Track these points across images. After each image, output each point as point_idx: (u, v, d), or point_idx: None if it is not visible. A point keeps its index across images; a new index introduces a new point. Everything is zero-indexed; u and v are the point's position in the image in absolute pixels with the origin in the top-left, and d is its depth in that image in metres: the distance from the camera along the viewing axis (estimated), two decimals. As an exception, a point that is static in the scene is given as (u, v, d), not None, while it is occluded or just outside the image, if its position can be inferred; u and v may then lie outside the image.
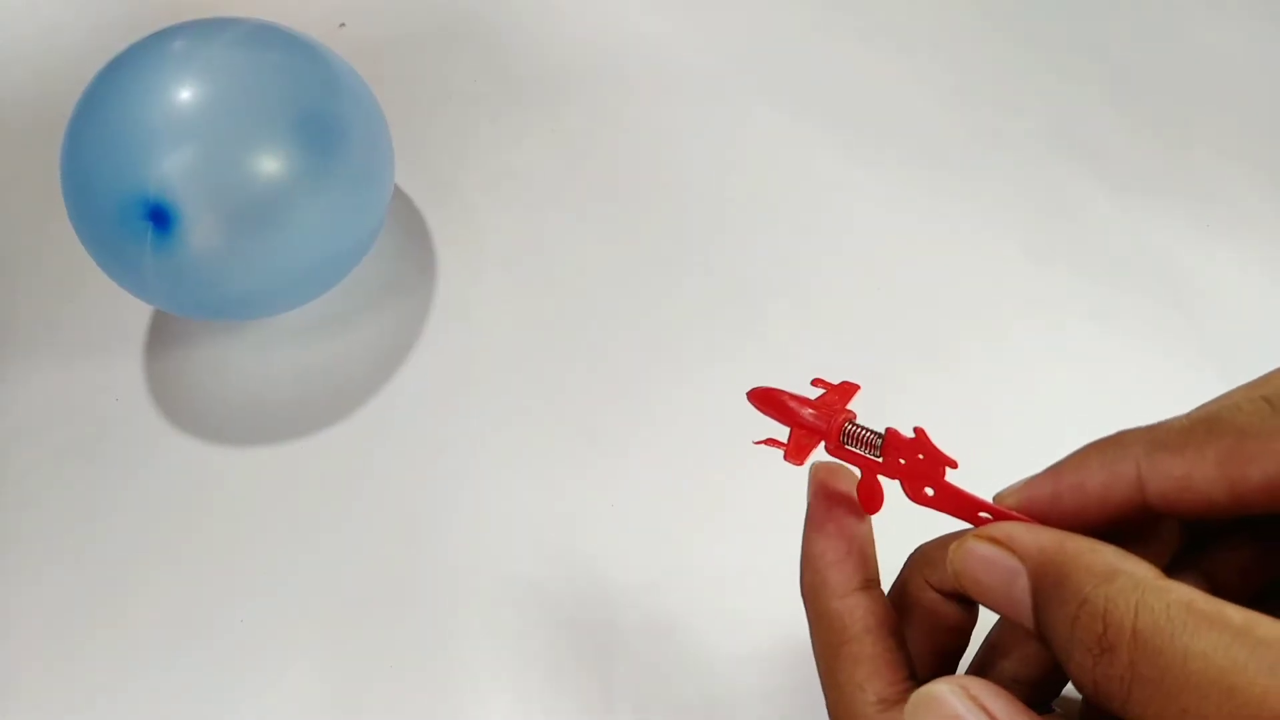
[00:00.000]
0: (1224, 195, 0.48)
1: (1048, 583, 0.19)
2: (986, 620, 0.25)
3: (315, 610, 0.39)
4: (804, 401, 0.25)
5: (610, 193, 0.51)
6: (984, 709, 0.19)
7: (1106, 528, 0.20)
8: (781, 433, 0.25)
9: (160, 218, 0.37)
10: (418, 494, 0.42)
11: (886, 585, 0.26)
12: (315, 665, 0.38)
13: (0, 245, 0.52)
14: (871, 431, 0.24)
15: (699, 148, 0.52)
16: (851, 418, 0.24)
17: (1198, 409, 0.21)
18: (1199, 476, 0.19)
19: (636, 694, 0.36)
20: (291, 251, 0.40)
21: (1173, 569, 0.23)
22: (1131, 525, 0.21)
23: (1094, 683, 0.17)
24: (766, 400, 0.25)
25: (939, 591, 0.25)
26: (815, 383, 0.26)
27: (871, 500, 0.24)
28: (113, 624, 0.40)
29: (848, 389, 0.25)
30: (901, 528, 0.25)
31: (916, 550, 0.26)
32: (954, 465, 0.22)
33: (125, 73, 0.39)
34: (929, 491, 0.23)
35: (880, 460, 0.23)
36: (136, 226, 0.37)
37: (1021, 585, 0.20)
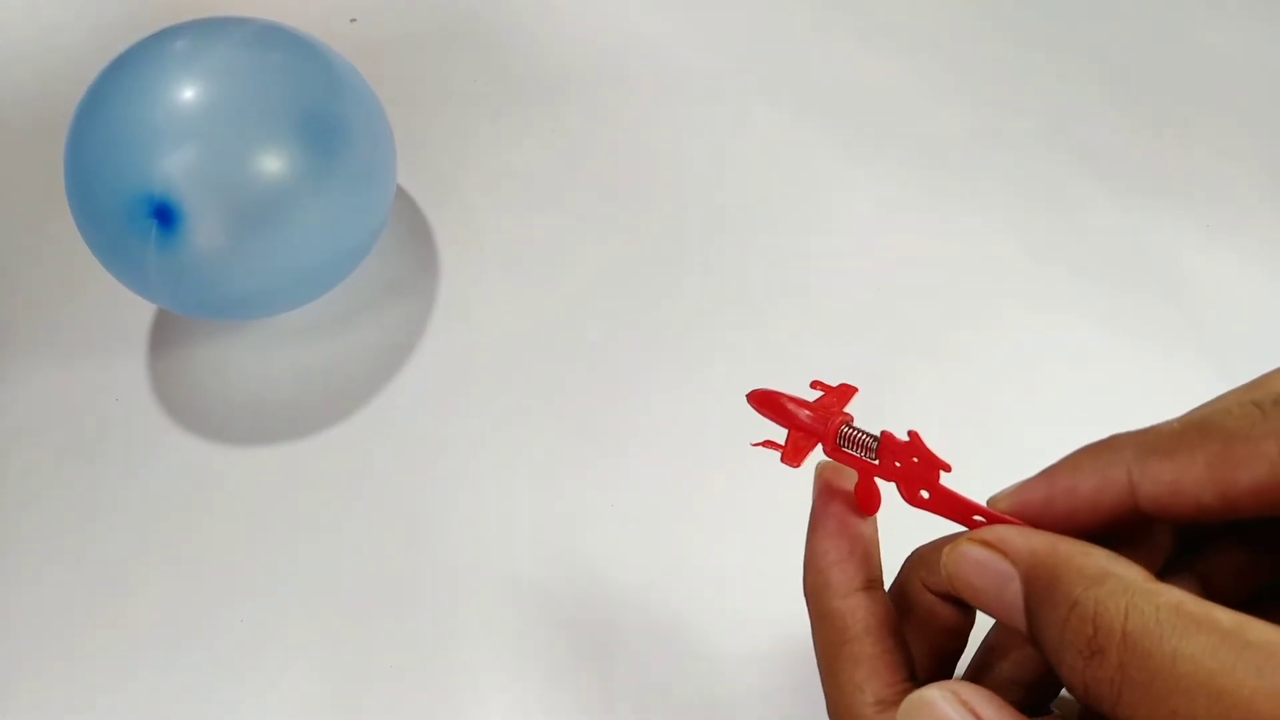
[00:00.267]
0: (1224, 195, 0.48)
1: (1039, 586, 0.19)
2: (985, 622, 0.25)
3: (315, 610, 0.39)
4: (802, 404, 0.25)
5: (610, 193, 0.51)
6: (974, 714, 0.19)
7: (1099, 531, 0.20)
8: (779, 434, 0.25)
9: (165, 216, 0.37)
10: (418, 494, 0.42)
11: (888, 586, 0.26)
12: (315, 665, 0.38)
13: (0, 245, 0.52)
14: (867, 434, 0.24)
15: (699, 148, 0.52)
16: (848, 420, 0.24)
17: (1188, 413, 0.21)
18: (1189, 481, 0.19)
19: (636, 694, 0.36)
20: (294, 251, 0.40)
21: (1168, 571, 0.23)
22: (1124, 529, 0.21)
23: (1084, 685, 0.18)
24: (765, 402, 0.25)
25: (936, 594, 0.25)
26: (814, 385, 0.26)
27: (869, 502, 0.24)
28: (113, 624, 0.40)
29: (846, 391, 0.25)
30: (901, 529, 0.25)
31: (914, 552, 0.26)
32: (948, 469, 0.23)
33: (129, 72, 0.39)
34: (924, 494, 0.23)
35: (876, 463, 0.24)
36: (141, 224, 0.37)
37: (1014, 588, 0.20)
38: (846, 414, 0.25)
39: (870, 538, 0.25)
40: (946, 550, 0.21)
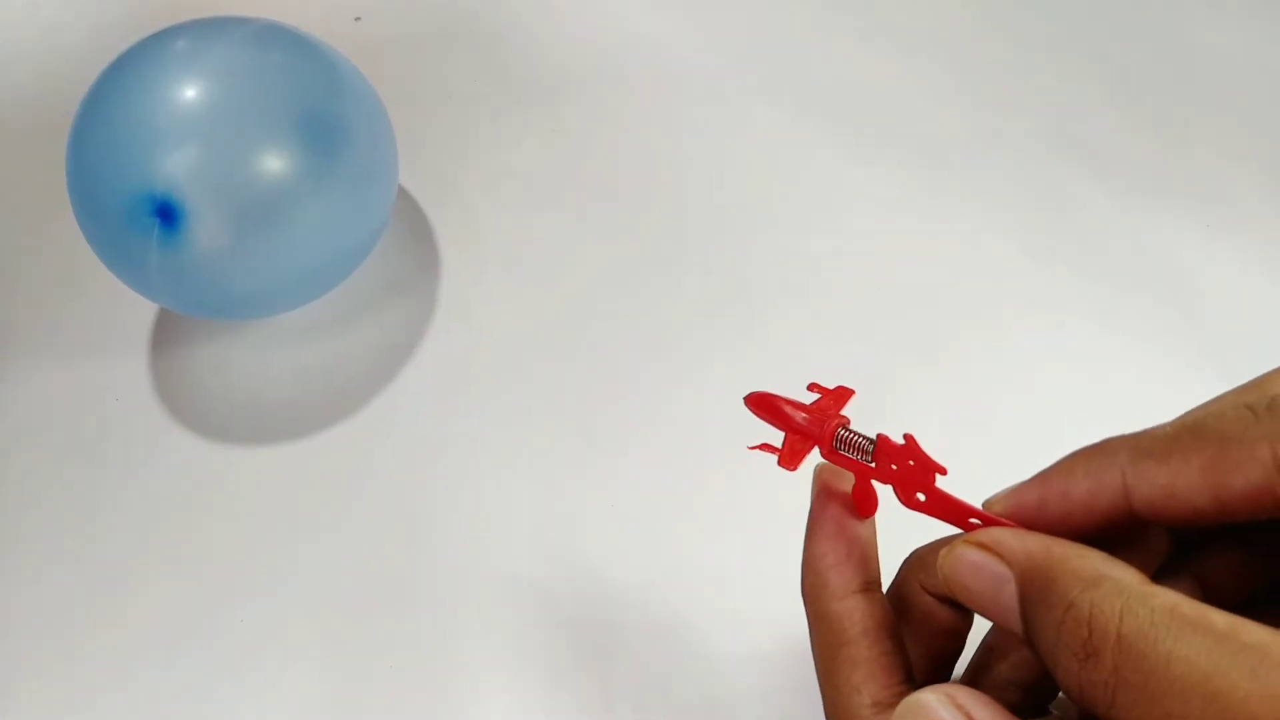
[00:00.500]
0: (1224, 195, 0.48)
1: (1034, 588, 0.19)
2: (984, 623, 0.25)
3: (315, 610, 0.39)
4: (799, 406, 0.25)
5: (610, 193, 0.51)
6: (968, 717, 0.19)
7: (1094, 534, 0.20)
8: (776, 437, 0.25)
9: (167, 214, 0.37)
10: (418, 493, 0.42)
11: (887, 587, 0.26)
12: (315, 665, 0.38)
13: (0, 245, 0.52)
14: (863, 437, 0.24)
15: (699, 148, 0.52)
16: (845, 423, 0.24)
17: (1182, 416, 0.21)
18: (1183, 485, 0.19)
19: (636, 694, 0.36)
20: (296, 250, 0.40)
21: (1165, 573, 0.23)
22: (1119, 531, 0.21)
23: (1079, 687, 0.18)
24: (762, 405, 0.25)
25: (934, 595, 0.25)
26: (811, 387, 0.26)
27: (866, 504, 0.24)
28: (113, 624, 0.40)
29: (842, 394, 0.26)
30: (900, 531, 0.25)
31: (912, 554, 0.26)
32: (943, 472, 0.23)
33: (131, 71, 0.39)
34: (920, 497, 0.23)
35: (873, 465, 0.24)
36: (143, 223, 0.37)
37: (1010, 591, 0.20)
38: (843, 416, 0.25)
39: (868, 540, 0.25)
40: (942, 553, 0.22)
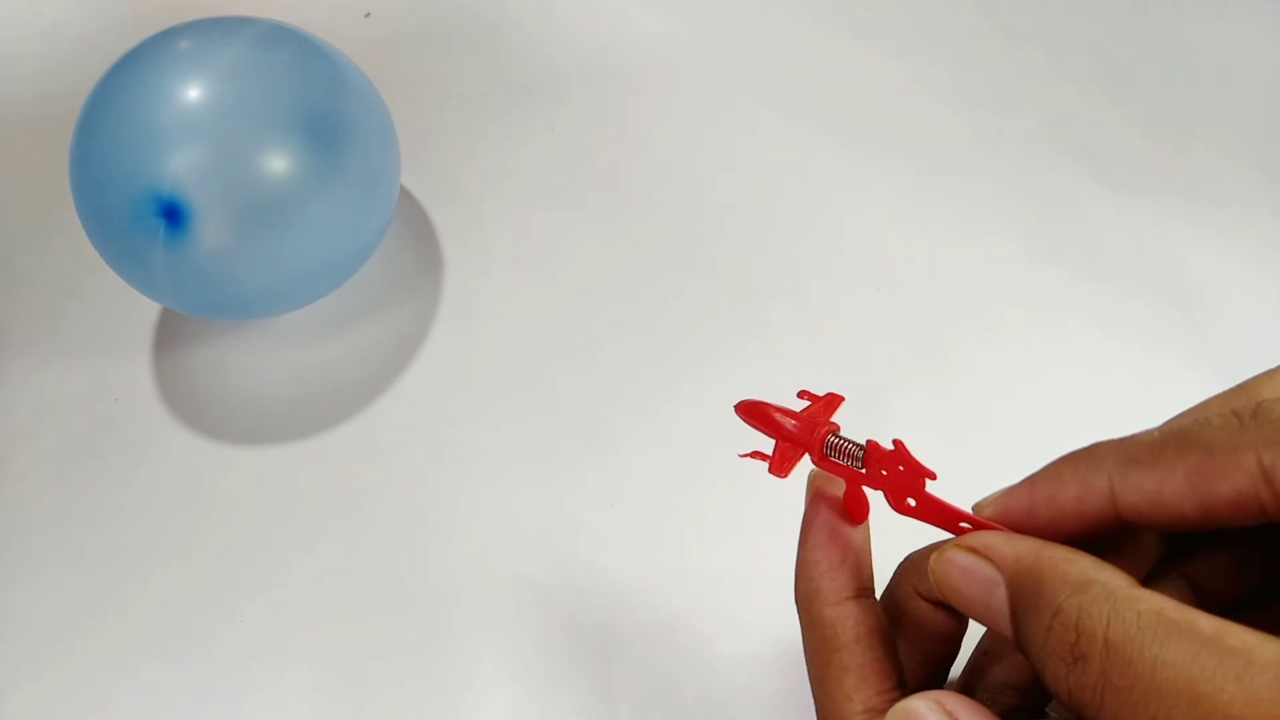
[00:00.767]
0: (1224, 195, 0.48)
1: (1024, 592, 0.19)
2: (979, 626, 0.25)
3: (315, 610, 0.39)
4: (788, 414, 0.25)
5: (612, 193, 0.51)
6: None
7: (1083, 538, 0.21)
8: (767, 444, 0.25)
9: (173, 215, 0.37)
10: (419, 493, 0.42)
11: (881, 592, 0.26)
12: (315, 665, 0.38)
13: (1, 245, 0.52)
14: (853, 443, 0.24)
15: (700, 147, 0.52)
16: (835, 430, 0.25)
17: (1169, 422, 0.21)
18: (1169, 491, 0.19)
19: (636, 694, 0.36)
20: (301, 251, 0.40)
21: (1157, 575, 0.23)
22: (1111, 534, 0.21)
23: (1068, 691, 0.18)
24: (752, 413, 0.26)
25: (927, 600, 0.25)
26: (801, 394, 0.26)
27: (857, 510, 0.25)
28: (113, 624, 0.40)
29: (833, 400, 0.26)
30: (895, 536, 0.25)
31: (906, 558, 0.26)
32: (933, 477, 0.23)
33: (136, 71, 0.39)
34: (911, 502, 0.23)
35: (863, 471, 0.24)
36: (149, 223, 0.37)
37: (1000, 594, 0.20)
38: (833, 424, 0.25)
39: (862, 546, 0.25)
40: (933, 557, 0.22)
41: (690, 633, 0.37)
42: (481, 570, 0.39)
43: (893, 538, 0.26)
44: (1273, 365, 0.22)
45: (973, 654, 0.27)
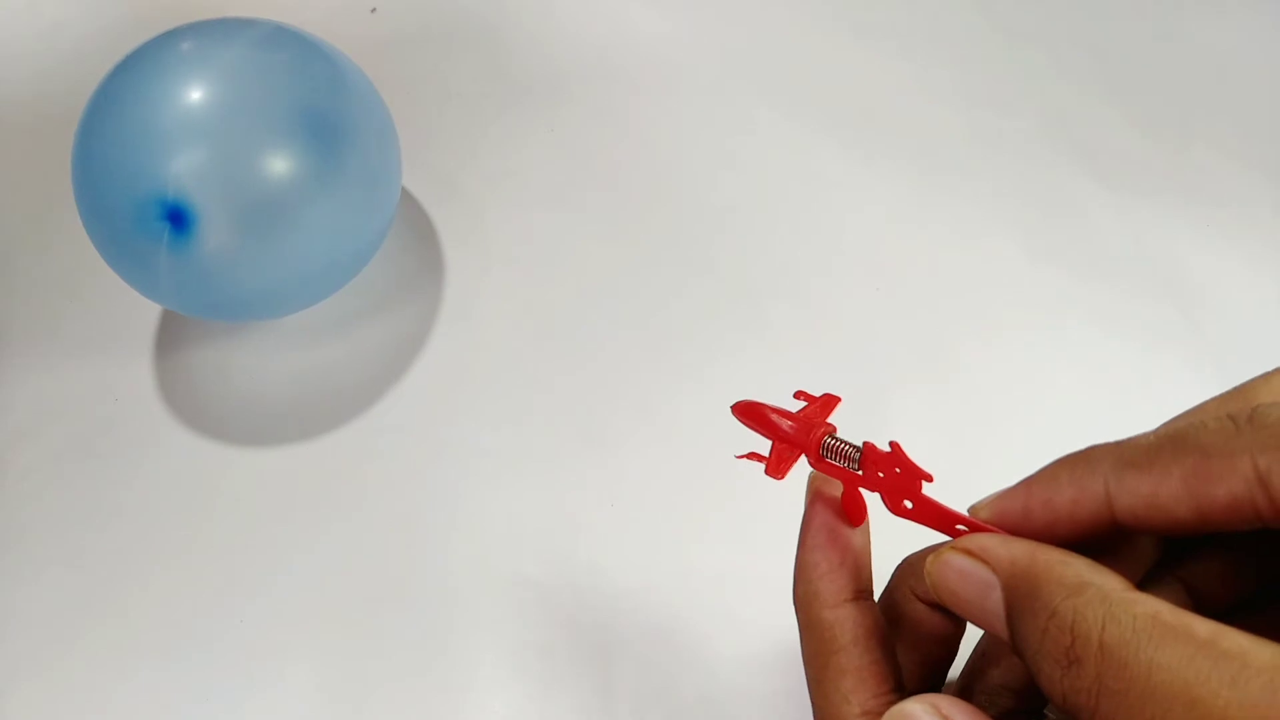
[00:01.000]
0: (1224, 195, 0.48)
1: (1019, 594, 0.19)
2: (977, 629, 0.25)
3: (315, 610, 0.39)
4: (785, 414, 0.25)
5: (611, 193, 0.51)
6: None
7: (1079, 541, 0.21)
8: (764, 445, 0.25)
9: (178, 219, 0.37)
10: (420, 493, 0.42)
11: (880, 594, 0.26)
12: (315, 665, 0.38)
13: (1, 245, 0.52)
14: (850, 445, 0.24)
15: (700, 148, 0.52)
16: (831, 431, 0.25)
17: (1165, 425, 0.21)
18: (1165, 495, 0.19)
19: (636, 694, 0.36)
20: (303, 252, 0.40)
21: (1154, 578, 0.23)
22: (1107, 537, 0.21)
23: (1063, 694, 0.18)
24: (748, 414, 0.25)
25: (925, 602, 0.25)
26: (797, 395, 0.26)
27: (854, 512, 0.24)
28: (113, 624, 0.40)
29: (829, 401, 0.26)
30: (895, 537, 0.25)
31: (903, 561, 0.26)
32: (929, 479, 0.23)
33: (138, 73, 0.39)
34: (908, 504, 0.23)
35: (860, 473, 0.24)
36: (153, 226, 0.37)
37: (996, 597, 0.20)
38: (829, 424, 0.25)
39: (861, 548, 0.25)
40: (930, 559, 0.22)
41: (690, 633, 0.37)
42: (481, 570, 0.39)
43: (891, 540, 0.26)
44: (1272, 366, 0.22)
45: (971, 656, 0.27)
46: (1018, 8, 0.57)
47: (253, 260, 0.39)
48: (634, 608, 0.38)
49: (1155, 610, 0.17)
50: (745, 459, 0.25)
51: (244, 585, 0.40)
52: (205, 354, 0.47)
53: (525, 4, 0.60)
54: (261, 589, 0.40)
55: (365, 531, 0.41)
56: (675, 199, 0.50)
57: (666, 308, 0.46)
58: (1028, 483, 0.22)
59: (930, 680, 0.26)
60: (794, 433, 0.25)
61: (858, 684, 0.23)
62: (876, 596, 0.25)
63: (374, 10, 0.60)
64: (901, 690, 0.23)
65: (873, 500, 0.24)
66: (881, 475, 0.23)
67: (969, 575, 0.21)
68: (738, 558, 0.38)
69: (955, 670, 0.27)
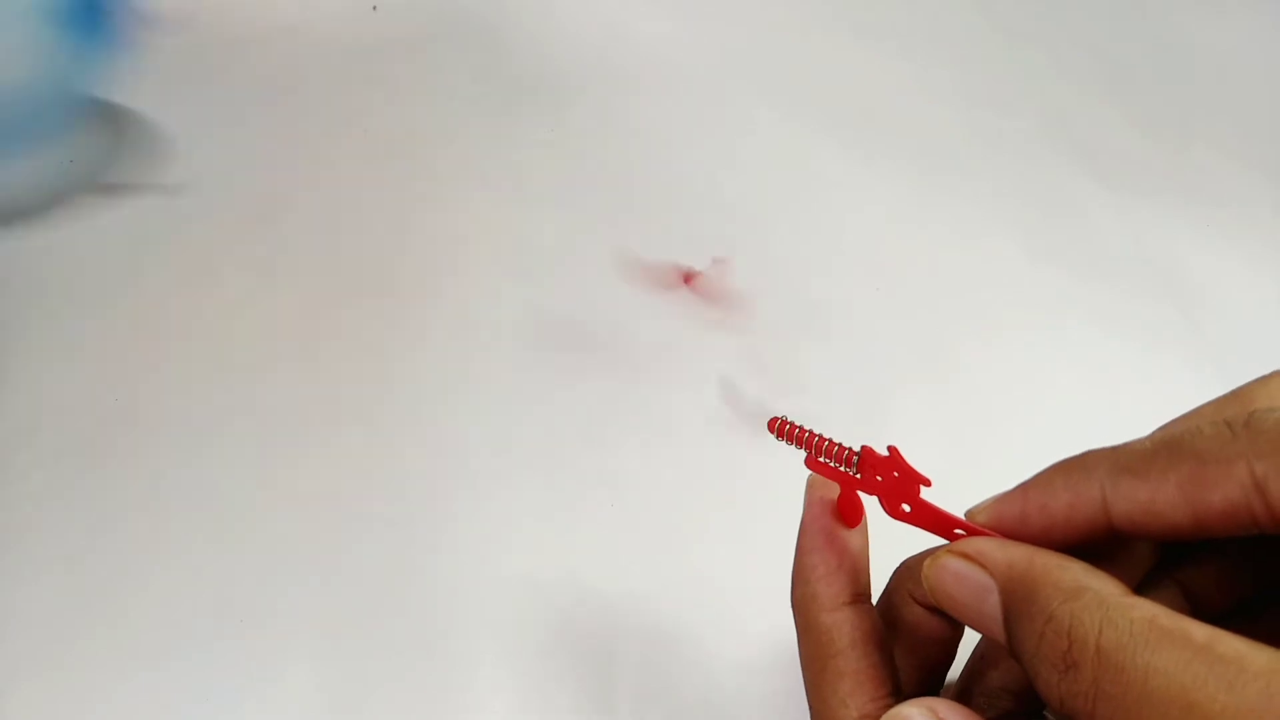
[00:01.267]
0: (1224, 195, 0.48)
1: (1017, 598, 0.19)
2: (975, 632, 0.25)
3: (315, 610, 0.39)
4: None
5: (611, 193, 0.51)
6: None
7: (1075, 545, 0.20)
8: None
9: None
10: (420, 494, 0.42)
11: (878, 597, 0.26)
12: (315, 665, 0.38)
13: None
14: (848, 449, 0.24)
15: (699, 147, 0.52)
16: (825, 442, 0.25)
17: (1161, 430, 0.21)
18: (1161, 501, 0.19)
19: (635, 696, 0.36)
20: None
21: (1151, 582, 0.23)
22: (1104, 541, 0.21)
23: (1060, 699, 0.18)
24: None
25: (923, 606, 0.25)
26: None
27: (851, 515, 0.24)
28: (113, 624, 0.40)
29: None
30: (894, 541, 0.25)
31: (901, 564, 0.26)
32: (927, 483, 0.23)
33: None
34: (906, 508, 0.23)
35: (858, 477, 0.24)
36: None
37: (993, 600, 0.20)
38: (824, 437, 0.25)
39: (859, 552, 0.25)
40: (927, 563, 0.22)
41: (690, 633, 0.37)
42: (481, 570, 0.39)
43: (889, 543, 0.26)
44: (1272, 366, 0.22)
45: (969, 659, 0.27)
46: (1018, 8, 0.56)
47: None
48: (634, 608, 0.38)
49: (1152, 614, 0.17)
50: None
51: (244, 585, 0.40)
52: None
53: (525, 4, 0.60)
54: (261, 589, 0.40)
55: (365, 531, 0.41)
56: (675, 199, 0.50)
57: (666, 307, 0.46)
58: (1024, 487, 0.22)
59: (928, 684, 0.26)
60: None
61: (855, 687, 0.23)
62: (875, 600, 0.25)
63: (375, 9, 0.60)
64: (899, 694, 0.23)
65: (871, 503, 0.24)
66: (879, 479, 0.23)
67: (966, 579, 0.21)
68: (738, 558, 0.38)
69: (954, 673, 0.27)
